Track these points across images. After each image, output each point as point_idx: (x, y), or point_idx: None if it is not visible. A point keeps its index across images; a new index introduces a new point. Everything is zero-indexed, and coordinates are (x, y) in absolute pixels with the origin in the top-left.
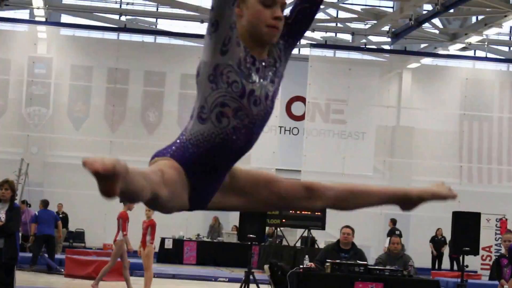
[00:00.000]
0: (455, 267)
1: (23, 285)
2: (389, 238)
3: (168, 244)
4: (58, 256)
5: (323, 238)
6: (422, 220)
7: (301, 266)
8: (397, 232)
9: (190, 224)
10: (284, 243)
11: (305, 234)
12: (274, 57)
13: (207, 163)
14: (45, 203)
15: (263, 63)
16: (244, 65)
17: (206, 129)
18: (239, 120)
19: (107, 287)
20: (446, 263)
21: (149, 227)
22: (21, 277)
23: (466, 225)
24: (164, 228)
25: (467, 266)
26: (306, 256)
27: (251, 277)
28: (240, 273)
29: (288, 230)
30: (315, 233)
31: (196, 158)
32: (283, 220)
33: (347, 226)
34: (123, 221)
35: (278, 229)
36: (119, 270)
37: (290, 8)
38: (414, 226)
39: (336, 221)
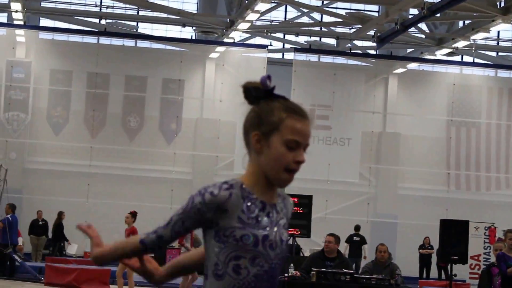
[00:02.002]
0: (443, 276)
1: None
2: (347, 245)
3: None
4: (38, 264)
5: (308, 246)
6: (409, 228)
7: (286, 275)
8: (356, 239)
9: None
10: None
11: (290, 242)
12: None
13: None
14: (13, 208)
15: (276, 208)
16: (248, 214)
17: (226, 284)
18: (259, 267)
19: None
20: (434, 272)
21: (130, 235)
22: (0, 285)
23: (454, 233)
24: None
25: (455, 275)
26: (291, 265)
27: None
28: None
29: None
30: (300, 241)
31: None
32: None
33: (331, 234)
34: (133, 235)
35: None
36: (101, 278)
37: None
38: (401, 235)
39: (321, 229)
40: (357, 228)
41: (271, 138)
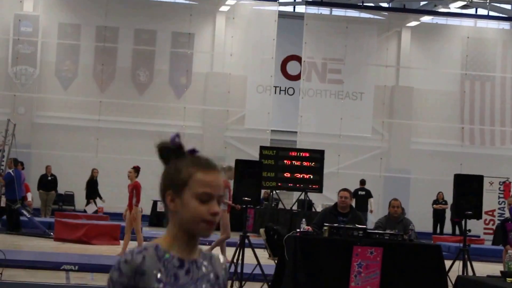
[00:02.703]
0: (457, 232)
1: (11, 249)
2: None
3: (161, 207)
4: (47, 219)
5: (320, 201)
6: (423, 183)
7: (298, 230)
8: (362, 193)
9: None
10: (280, 206)
11: (302, 197)
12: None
13: None
14: (16, 163)
15: (196, 264)
16: (166, 274)
17: None
18: None
19: (99, 250)
20: (447, 227)
21: (134, 190)
22: (8, 240)
23: (469, 189)
24: (156, 191)
25: (469, 231)
26: (303, 220)
27: (246, 241)
28: (235, 237)
29: (284, 193)
30: (312, 196)
31: None
32: (279, 183)
33: (345, 189)
34: (137, 190)
35: (274, 192)
36: (111, 233)
37: None
38: (415, 190)
39: (333, 184)
40: (363, 182)
41: (183, 196)
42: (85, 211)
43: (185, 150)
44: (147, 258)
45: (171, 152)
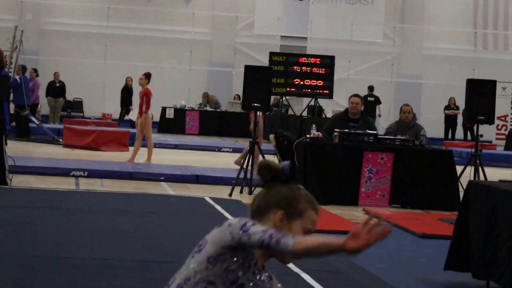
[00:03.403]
0: (469, 137)
1: (20, 155)
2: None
3: (170, 114)
4: (56, 126)
5: (330, 107)
6: (435, 89)
7: (308, 136)
8: (371, 99)
9: (192, 93)
10: (290, 112)
11: (312, 103)
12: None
13: None
14: (24, 69)
15: (261, 273)
16: (248, 262)
17: None
18: None
19: (109, 157)
20: (459, 133)
21: (144, 97)
22: (17, 147)
23: (481, 94)
24: (165, 97)
25: (481, 136)
26: (313, 126)
27: (256, 147)
28: (244, 143)
29: (294, 99)
30: (322, 102)
31: None
32: (289, 89)
33: (356, 95)
34: (147, 97)
35: (284, 98)
36: (120, 139)
37: None
38: (426, 95)
39: (344, 90)
40: (371, 88)
41: (294, 222)
42: (129, 120)
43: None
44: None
45: (282, 177)
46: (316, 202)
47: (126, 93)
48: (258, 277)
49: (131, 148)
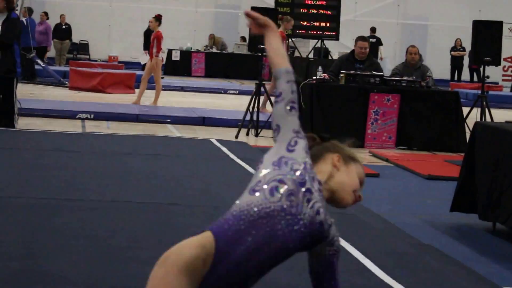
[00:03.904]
0: (475, 79)
1: (26, 98)
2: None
3: (176, 56)
4: (62, 68)
5: (336, 49)
6: (441, 30)
7: (314, 78)
8: (372, 41)
9: (198, 35)
10: (296, 54)
11: (318, 45)
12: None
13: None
14: (31, 11)
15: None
16: (311, 171)
17: (254, 200)
18: (289, 203)
19: (115, 99)
20: (465, 74)
21: (155, 39)
22: (23, 89)
23: (487, 35)
24: (171, 40)
25: (488, 77)
26: (320, 67)
27: (261, 89)
28: (250, 85)
29: (300, 41)
30: (328, 44)
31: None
32: (295, 30)
33: (364, 39)
34: (157, 40)
35: (290, 39)
36: (126, 82)
37: None
38: (432, 37)
39: (350, 32)
40: (373, 29)
41: (350, 165)
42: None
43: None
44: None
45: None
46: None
47: (149, 36)
48: (320, 195)
49: (137, 91)
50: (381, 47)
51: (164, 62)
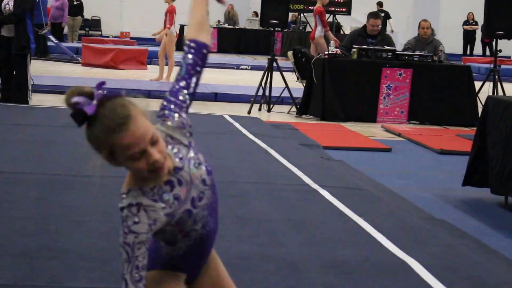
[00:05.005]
0: (488, 53)
1: (39, 74)
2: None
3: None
4: (74, 44)
5: (348, 24)
6: (453, 4)
7: (326, 52)
8: (381, 14)
9: (209, 10)
10: (308, 29)
11: (330, 19)
12: (181, 143)
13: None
14: None
15: (177, 173)
16: (170, 206)
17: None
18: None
19: (127, 75)
20: (478, 48)
21: (168, 13)
22: (36, 66)
23: (500, 8)
24: (183, 15)
25: (500, 51)
26: (332, 42)
27: (274, 64)
28: (263, 60)
29: (312, 16)
30: (340, 18)
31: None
32: (307, 6)
33: (376, 16)
34: (170, 14)
35: (302, 14)
36: (138, 58)
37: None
38: (445, 11)
39: (362, 6)
40: (380, 4)
41: (117, 160)
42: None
43: (88, 114)
44: (147, 210)
45: (82, 119)
46: (118, 121)
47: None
48: (176, 189)
49: (149, 66)
50: (390, 21)
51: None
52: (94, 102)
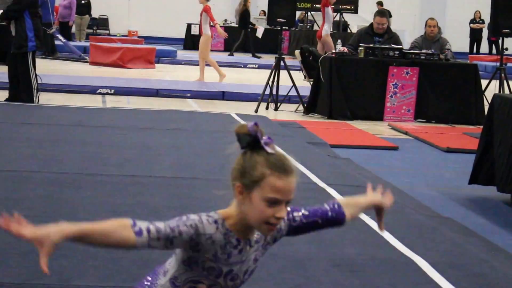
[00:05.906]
0: (494, 51)
1: (47, 73)
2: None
3: (195, 30)
4: (82, 43)
5: (355, 22)
6: (460, 2)
7: (333, 51)
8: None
9: (216, 9)
10: (316, 28)
11: (337, 18)
12: (266, 239)
13: None
14: None
15: (249, 244)
16: (223, 251)
17: None
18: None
19: (135, 74)
20: (484, 46)
21: (202, 13)
22: (44, 65)
23: (507, 6)
24: (190, 14)
25: (506, 49)
26: (339, 41)
27: (281, 63)
28: (270, 59)
29: (319, 14)
30: (347, 17)
31: None
32: (314, 4)
33: (382, 15)
34: (208, 13)
35: (309, 13)
36: (146, 57)
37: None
38: (451, 9)
39: (369, 5)
40: (380, 3)
41: (252, 194)
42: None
43: (261, 143)
44: (218, 233)
45: (248, 141)
46: (283, 164)
47: (245, 16)
48: (243, 253)
49: (157, 65)
50: (390, 19)
51: (182, 36)
52: (266, 136)
